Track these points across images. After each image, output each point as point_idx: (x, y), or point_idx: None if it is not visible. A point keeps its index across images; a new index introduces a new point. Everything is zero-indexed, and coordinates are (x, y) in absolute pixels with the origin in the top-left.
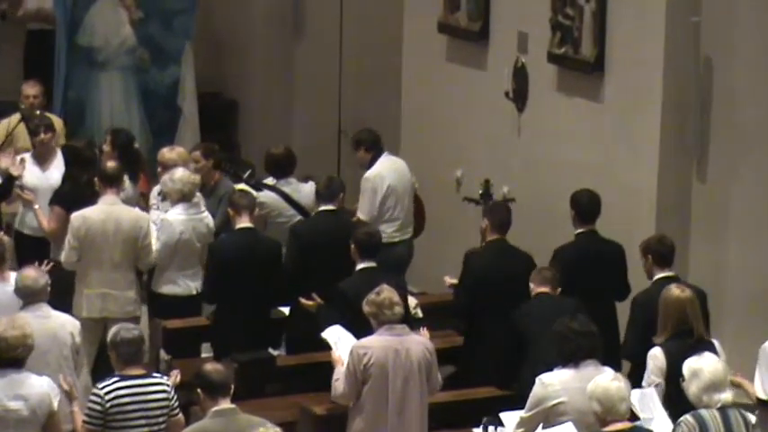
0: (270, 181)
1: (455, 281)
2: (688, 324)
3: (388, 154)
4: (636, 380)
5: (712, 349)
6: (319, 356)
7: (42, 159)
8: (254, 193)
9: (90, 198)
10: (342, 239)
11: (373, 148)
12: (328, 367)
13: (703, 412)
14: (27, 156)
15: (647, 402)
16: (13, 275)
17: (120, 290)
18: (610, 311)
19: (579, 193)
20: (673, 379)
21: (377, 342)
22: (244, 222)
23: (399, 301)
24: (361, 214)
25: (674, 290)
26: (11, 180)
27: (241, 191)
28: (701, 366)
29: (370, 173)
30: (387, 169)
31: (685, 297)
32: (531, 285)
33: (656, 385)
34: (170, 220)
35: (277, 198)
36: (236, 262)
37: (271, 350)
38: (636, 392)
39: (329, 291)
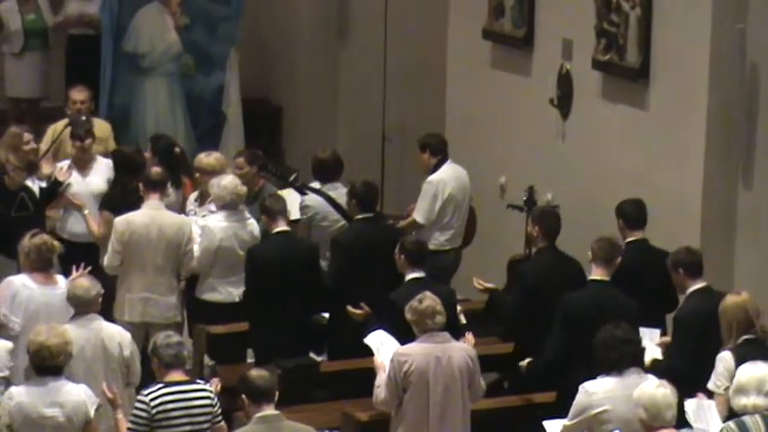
0: (315, 185)
1: (490, 285)
2: (753, 327)
3: (451, 162)
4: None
5: None
6: (363, 363)
7: (82, 165)
8: (299, 195)
9: (140, 204)
10: (383, 246)
11: (439, 152)
12: (372, 373)
13: (746, 418)
14: (68, 162)
15: (704, 414)
16: (60, 279)
17: (161, 294)
18: (660, 322)
19: (624, 202)
20: None
21: (418, 349)
22: (279, 227)
23: (442, 310)
24: (419, 217)
25: (731, 297)
26: (56, 185)
27: (272, 196)
28: (739, 369)
29: (433, 177)
30: (450, 177)
31: (743, 300)
32: (590, 256)
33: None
34: (210, 226)
35: (322, 202)
36: (273, 266)
37: (314, 356)
38: (692, 402)
39: (375, 299)
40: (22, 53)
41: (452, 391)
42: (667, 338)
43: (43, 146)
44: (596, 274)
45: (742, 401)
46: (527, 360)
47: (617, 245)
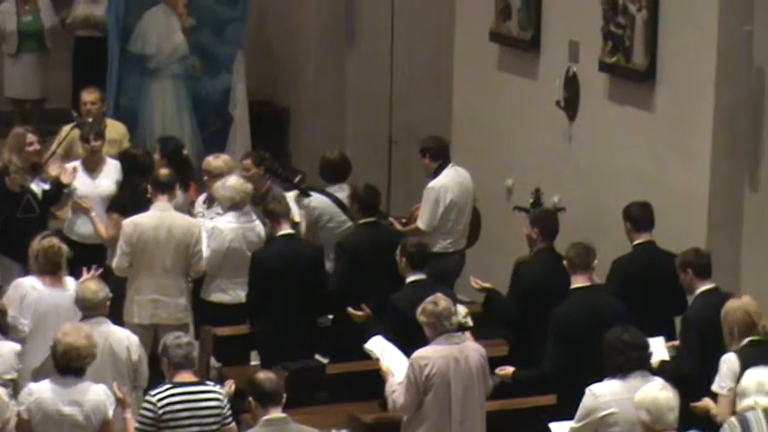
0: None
1: (487, 284)
2: (755, 328)
3: (453, 165)
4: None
5: None
6: (368, 365)
7: (92, 167)
8: (304, 197)
9: (149, 206)
10: (386, 250)
11: (440, 156)
12: (377, 376)
13: (749, 414)
14: (77, 163)
15: None
16: (69, 281)
17: (171, 296)
18: (668, 324)
19: (631, 205)
20: None
21: (437, 352)
22: (283, 230)
23: (456, 311)
24: (421, 224)
25: (732, 301)
26: (59, 187)
27: (275, 199)
28: (744, 374)
29: (434, 183)
30: (452, 181)
31: (743, 303)
32: (567, 265)
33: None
34: (220, 227)
35: (329, 203)
36: (278, 269)
37: (319, 358)
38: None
39: (378, 302)
40: (18, 54)
41: (471, 390)
42: (676, 342)
43: (53, 147)
44: (577, 281)
45: (744, 403)
46: (509, 369)
47: (591, 248)
